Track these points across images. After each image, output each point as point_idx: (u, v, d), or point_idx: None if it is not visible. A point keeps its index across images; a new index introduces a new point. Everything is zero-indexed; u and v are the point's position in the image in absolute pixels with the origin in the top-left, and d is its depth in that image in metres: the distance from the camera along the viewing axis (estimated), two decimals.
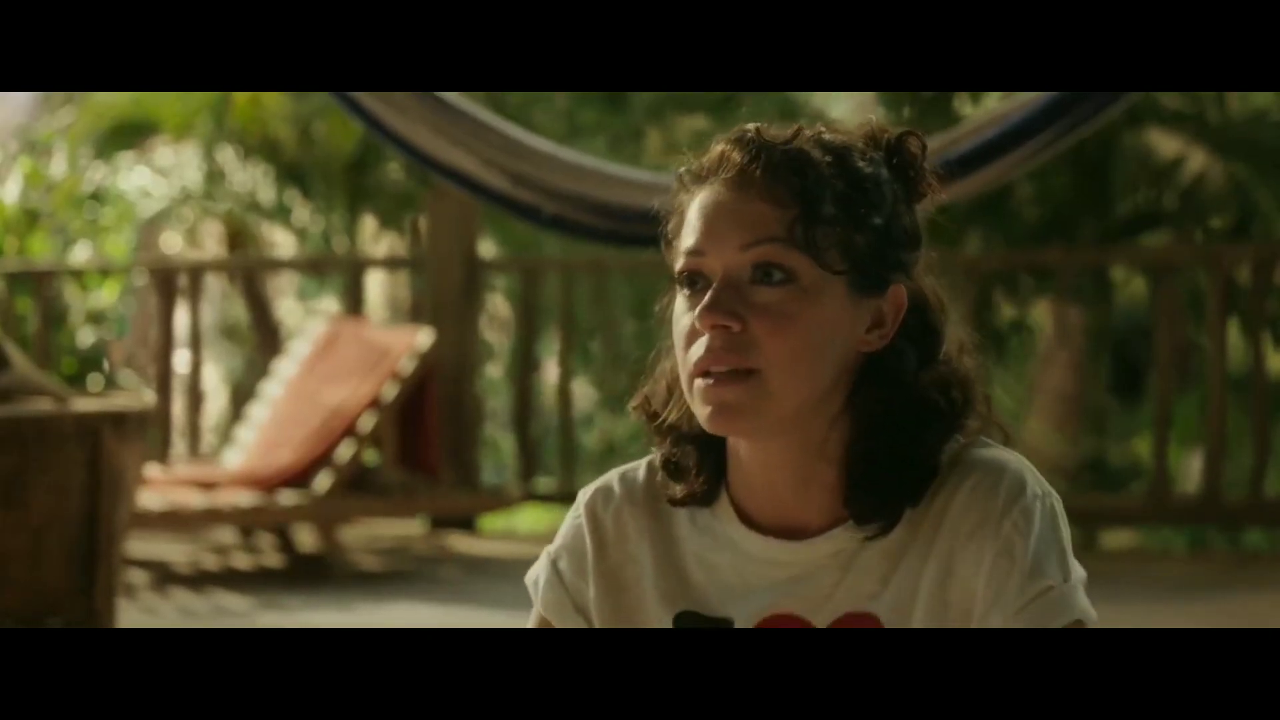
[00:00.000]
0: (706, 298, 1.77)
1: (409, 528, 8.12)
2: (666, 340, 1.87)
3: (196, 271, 8.78)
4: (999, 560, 1.77)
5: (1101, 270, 9.12)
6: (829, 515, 1.82)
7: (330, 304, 11.51)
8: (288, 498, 7.07)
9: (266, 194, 10.67)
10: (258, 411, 7.74)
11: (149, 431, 6.26)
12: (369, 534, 7.98)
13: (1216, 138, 9.13)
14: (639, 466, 1.93)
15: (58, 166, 9.35)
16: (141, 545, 7.24)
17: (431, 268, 8.31)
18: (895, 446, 1.80)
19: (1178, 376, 8.26)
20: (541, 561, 1.97)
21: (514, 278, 9.18)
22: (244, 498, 7.04)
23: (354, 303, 8.57)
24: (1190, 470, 9.74)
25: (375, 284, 11.86)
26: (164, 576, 7.08)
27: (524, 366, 8.52)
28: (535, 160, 4.93)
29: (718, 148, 1.83)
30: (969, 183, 4.70)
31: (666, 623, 1.86)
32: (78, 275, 8.76)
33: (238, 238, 11.66)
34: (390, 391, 7.29)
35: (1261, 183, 8.86)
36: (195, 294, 8.60)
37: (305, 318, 11.73)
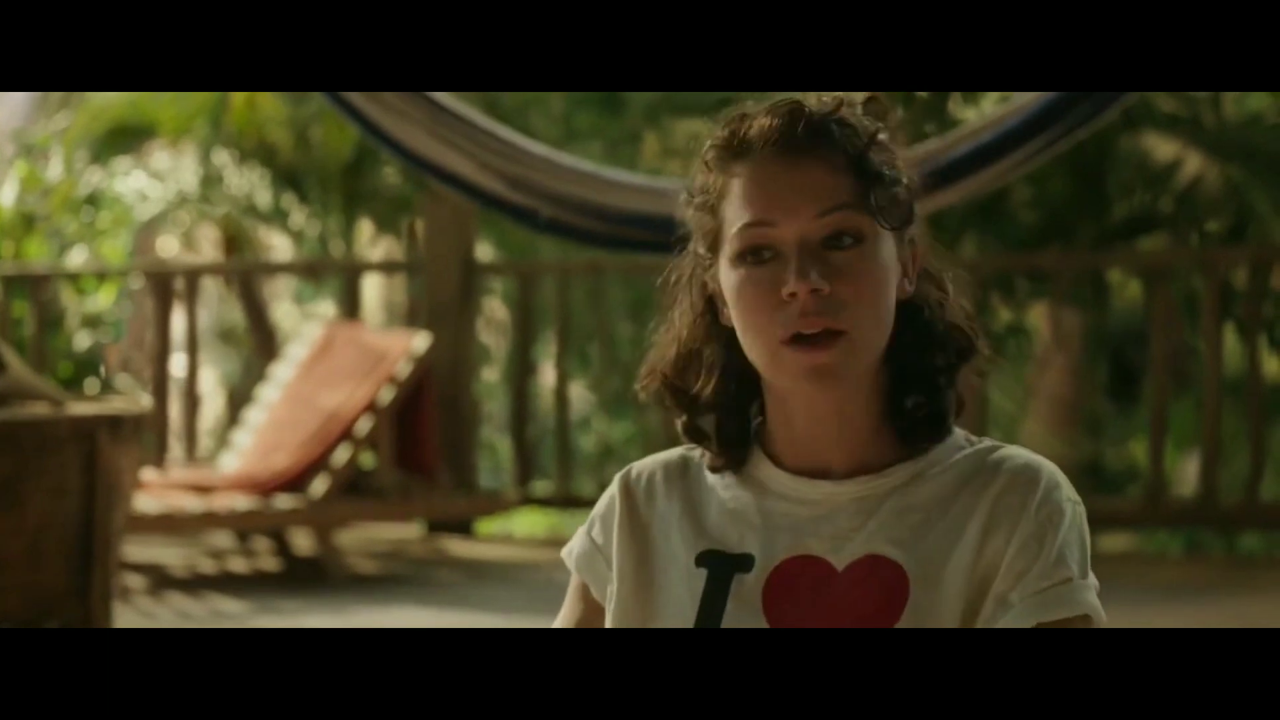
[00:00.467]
0: (795, 265, 1.84)
1: (406, 531, 8.12)
2: (674, 310, 1.94)
3: (193, 275, 8.78)
4: (1029, 543, 1.85)
5: (1098, 273, 9.12)
6: (855, 461, 1.90)
7: (327, 308, 11.52)
8: (284, 501, 7.07)
9: (263, 198, 10.67)
10: (254, 415, 7.74)
11: (145, 435, 6.26)
12: (365, 537, 7.98)
13: (1212, 141, 9.14)
14: (679, 448, 2.00)
15: (54, 170, 9.35)
16: (138, 549, 7.24)
17: (428, 271, 8.31)
18: (930, 374, 1.90)
19: (1174, 380, 8.27)
20: (580, 531, 2.01)
21: (510, 281, 9.18)
22: (240, 501, 7.04)
23: (350, 306, 8.57)
24: (1186, 473, 9.75)
25: (372, 288, 11.87)
26: (160, 580, 7.08)
27: (521, 370, 8.52)
28: (532, 164, 4.94)
29: (761, 120, 1.88)
30: (966, 186, 4.71)
31: (687, 567, 1.91)
32: (74, 279, 8.76)
33: (234, 241, 11.66)
34: (387, 395, 7.29)
35: (1257, 186, 8.87)
36: (191, 297, 8.60)
37: (302, 321, 11.74)
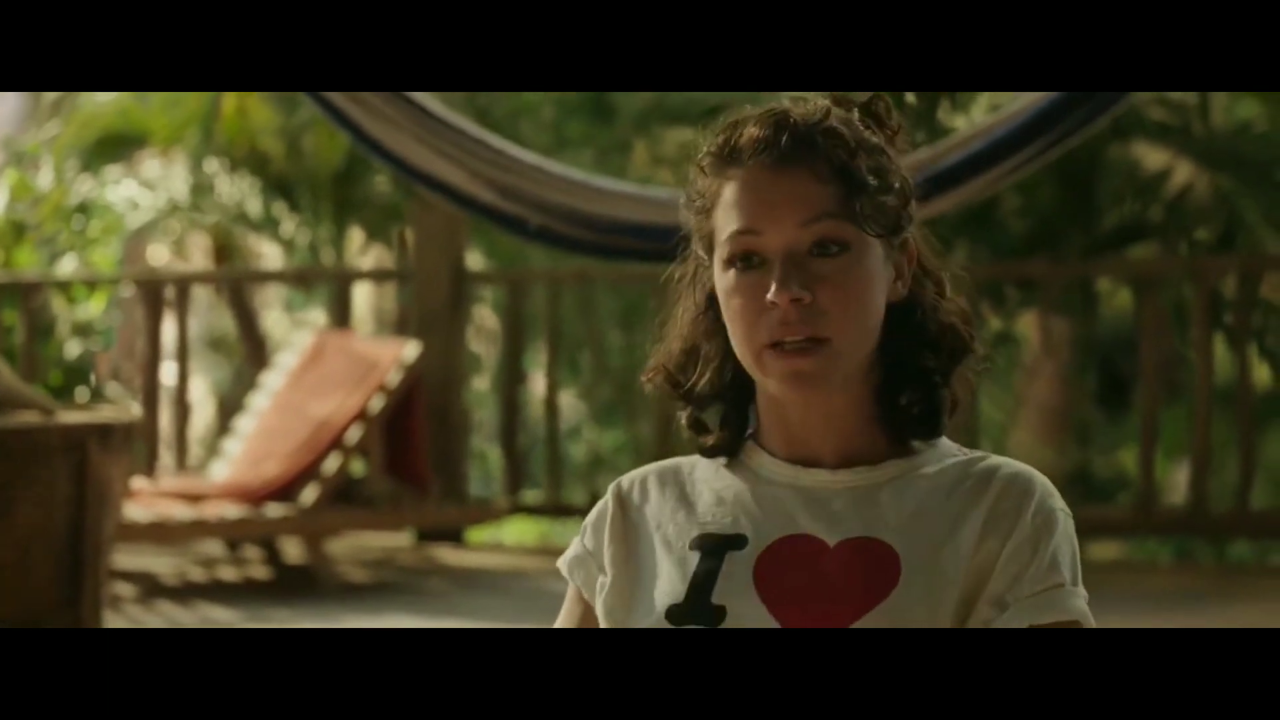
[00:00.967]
0: (778, 273, 1.87)
1: (396, 540, 8.11)
2: (678, 307, 1.99)
3: (183, 283, 8.78)
4: (1022, 547, 1.88)
5: (1087, 282, 9.13)
6: (848, 455, 1.94)
7: (317, 316, 11.50)
8: (274, 510, 7.07)
9: (254, 206, 10.66)
10: (244, 424, 7.73)
11: (135, 444, 6.26)
12: (356, 546, 7.97)
13: (1202, 150, 9.14)
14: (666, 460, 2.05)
15: (44, 178, 9.34)
16: (128, 557, 7.23)
17: (418, 280, 8.31)
18: (924, 373, 1.94)
19: (1164, 388, 8.27)
20: (574, 542, 2.04)
21: (501, 290, 9.18)
22: (231, 510, 7.03)
23: (341, 315, 8.57)
24: (1176, 482, 9.75)
25: (362, 296, 11.86)
26: (150, 589, 7.07)
27: (511, 378, 8.52)
28: (522, 173, 4.94)
29: (751, 130, 1.92)
30: (956, 195, 4.71)
31: (681, 551, 1.94)
32: (64, 287, 8.75)
33: (224, 250, 11.65)
34: (377, 404, 7.29)
35: (1247, 195, 8.87)
36: (182, 306, 8.60)
37: (292, 330, 11.72)
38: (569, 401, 10.59)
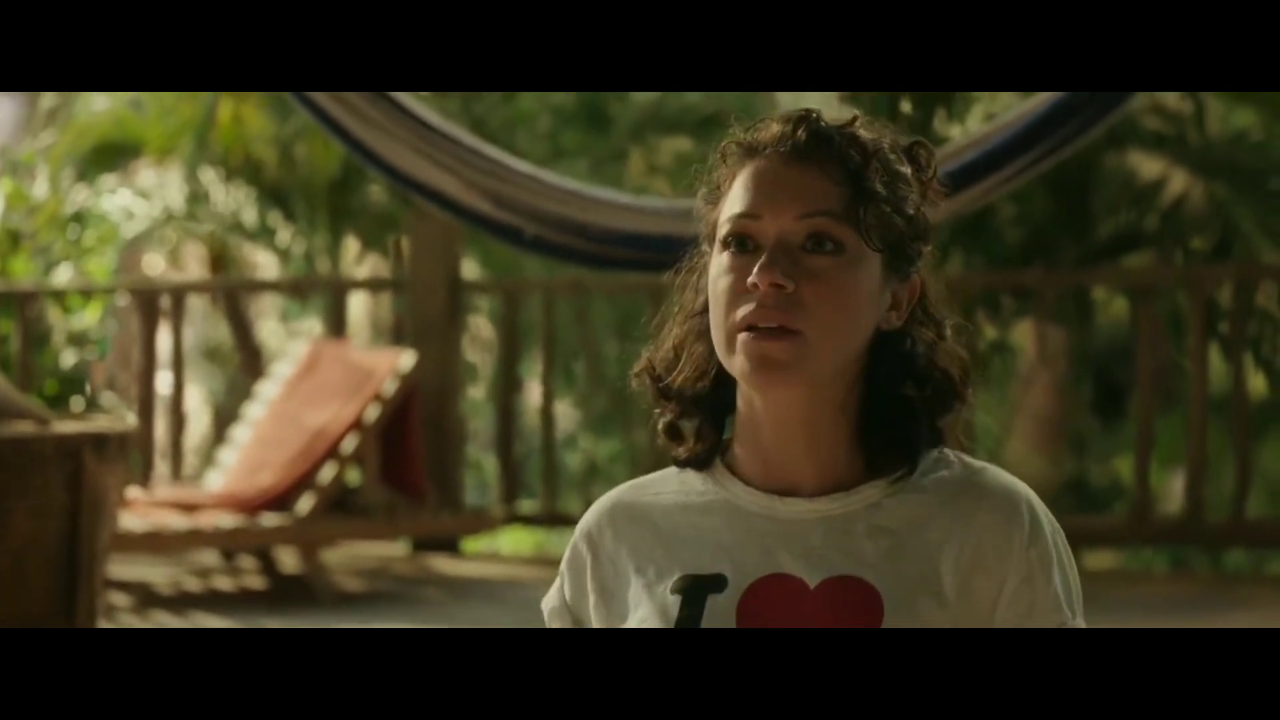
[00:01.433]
0: (763, 258, 1.86)
1: (391, 549, 8.11)
2: (674, 306, 1.98)
3: (179, 293, 8.77)
4: (1021, 588, 1.87)
5: (1083, 291, 9.13)
6: (825, 479, 1.91)
7: (313, 325, 11.50)
8: (270, 519, 7.06)
9: (249, 215, 10.66)
10: (240, 433, 7.73)
11: (130, 453, 6.25)
12: (351, 555, 7.97)
13: (1197, 159, 9.15)
14: (647, 475, 2.01)
15: (40, 187, 9.34)
16: (123, 567, 7.23)
17: (414, 289, 8.31)
18: (906, 405, 1.91)
19: (1159, 397, 8.27)
20: (553, 588, 2.02)
21: (496, 299, 9.18)
22: (226, 519, 7.03)
23: (336, 324, 8.57)
24: (1172, 491, 9.75)
25: (358, 305, 11.86)
26: (145, 598, 7.07)
27: (506, 388, 8.52)
28: (517, 182, 4.95)
29: (774, 125, 1.92)
30: (951, 204, 4.71)
31: (662, 596, 1.91)
32: (60, 296, 8.75)
33: (220, 259, 11.65)
34: (373, 413, 7.28)
35: (1242, 204, 8.88)
36: (177, 315, 8.59)
37: (288, 339, 11.72)
38: (564, 411, 10.59)
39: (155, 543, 6.96)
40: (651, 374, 1.97)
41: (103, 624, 5.43)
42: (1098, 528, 8.36)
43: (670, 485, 1.97)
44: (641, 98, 10.21)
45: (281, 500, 7.14)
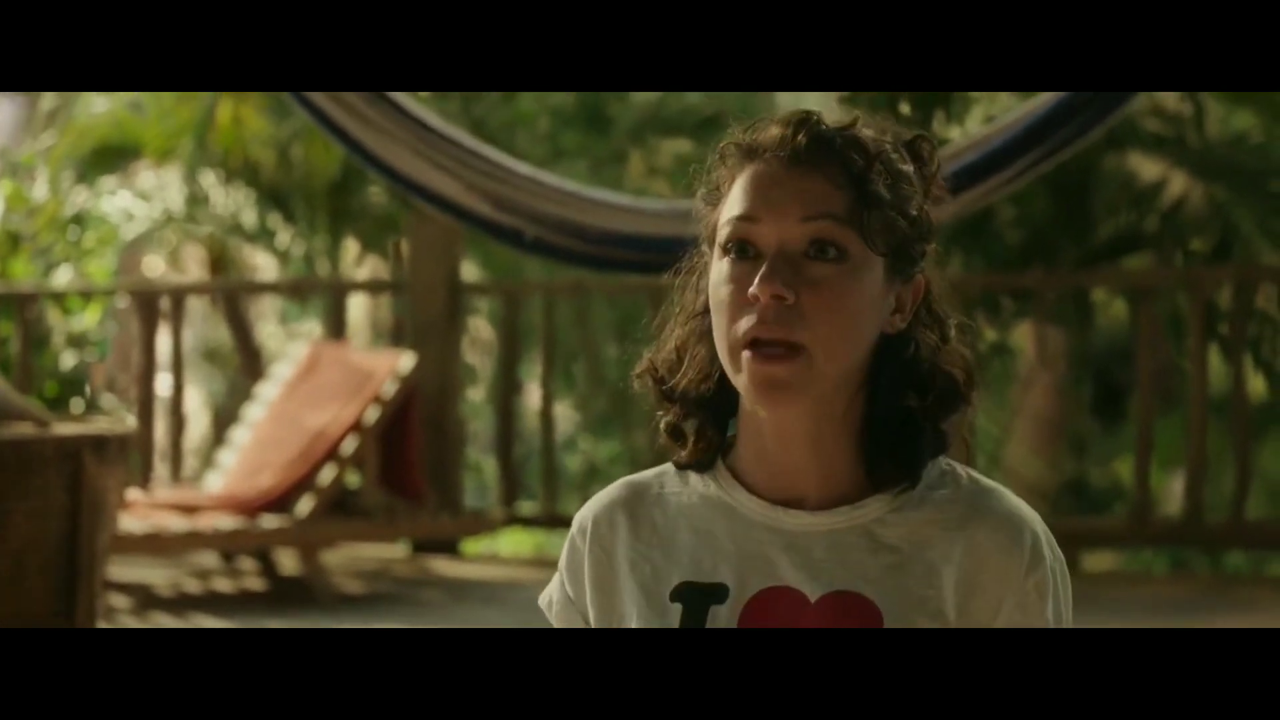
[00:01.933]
0: (764, 268, 1.82)
1: (391, 551, 8.11)
2: (675, 307, 1.95)
3: (178, 294, 8.77)
4: (1015, 614, 1.86)
5: (1083, 293, 9.13)
6: (830, 491, 1.89)
7: (312, 327, 11.50)
8: (269, 521, 7.06)
9: (248, 217, 10.66)
10: (239, 435, 7.73)
11: (130, 455, 6.25)
12: (351, 557, 7.97)
13: (1197, 161, 9.15)
14: (647, 471, 1.99)
15: (40, 189, 9.34)
16: (122, 569, 7.23)
17: (414, 291, 8.31)
18: (909, 414, 1.88)
19: (1159, 399, 8.27)
20: (554, 582, 2.01)
21: (496, 301, 9.18)
22: (225, 521, 7.03)
23: (336, 326, 8.57)
24: (1172, 492, 9.75)
25: (357, 307, 11.86)
26: (145, 600, 7.07)
27: (506, 389, 8.52)
28: (517, 184, 4.95)
29: (774, 128, 1.88)
30: (951, 206, 4.71)
31: (662, 600, 1.89)
32: (59, 298, 8.75)
33: (219, 261, 11.65)
34: (372, 415, 7.28)
35: (1242, 205, 8.88)
36: (177, 317, 8.59)
37: (287, 341, 11.72)
38: (564, 412, 10.59)
39: (155, 544, 6.96)
40: (654, 375, 1.94)
41: (102, 626, 5.42)
42: (1097, 529, 8.37)
43: (671, 485, 1.95)
44: (641, 99, 10.21)
45: (281, 502, 7.14)
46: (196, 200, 10.61)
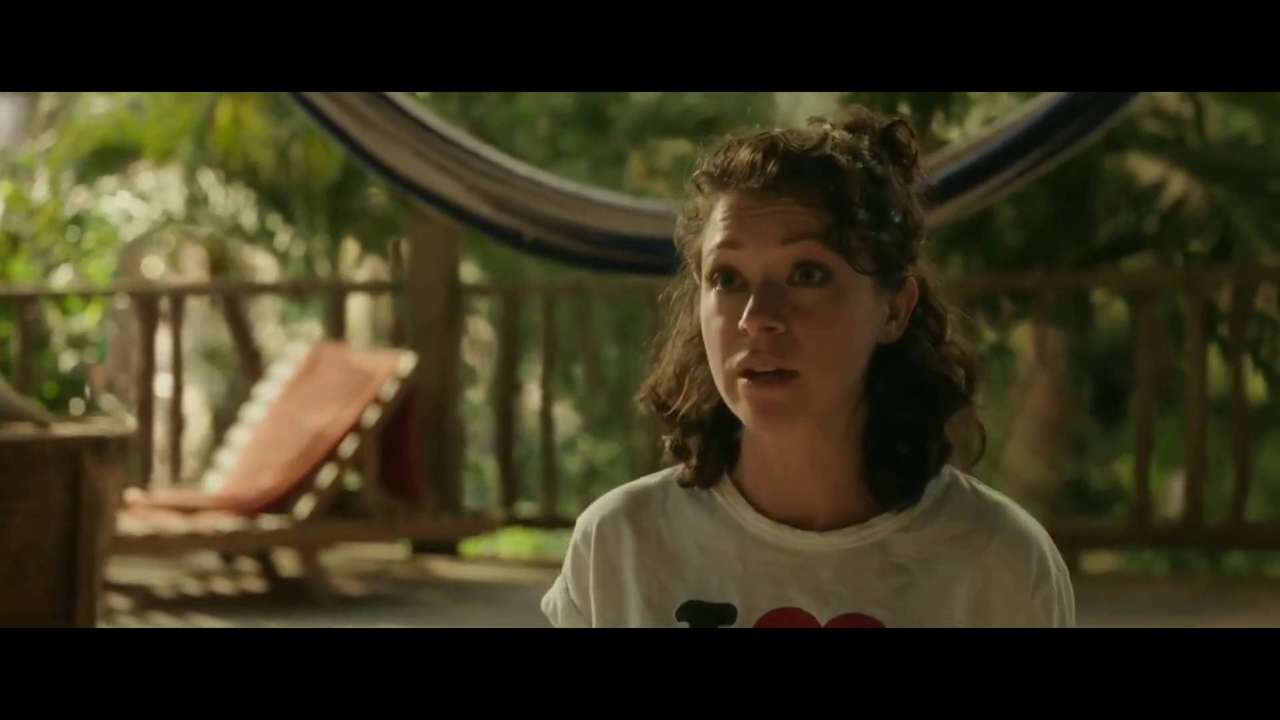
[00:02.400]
0: (751, 302, 1.81)
1: (391, 552, 8.11)
2: (672, 328, 1.94)
3: (178, 295, 8.77)
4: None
5: (1082, 294, 9.13)
6: (838, 511, 1.87)
7: (312, 328, 11.50)
8: (269, 522, 7.06)
9: (248, 218, 10.66)
10: (239, 436, 7.73)
11: (130, 456, 6.25)
12: (351, 558, 7.97)
13: (1197, 162, 9.15)
14: (649, 477, 1.97)
15: (39, 190, 9.34)
16: (122, 570, 7.23)
17: (413, 292, 8.31)
18: (912, 424, 1.87)
19: (1159, 400, 8.27)
20: (557, 586, 1.99)
21: (496, 302, 9.18)
22: (225, 522, 7.02)
23: (336, 327, 8.57)
24: (1171, 493, 9.75)
25: (357, 308, 11.85)
26: (145, 601, 7.07)
27: (506, 390, 8.52)
28: (517, 185, 4.94)
29: (744, 154, 1.86)
30: (950, 207, 4.71)
31: (668, 618, 1.89)
32: (59, 299, 8.75)
33: (219, 262, 11.65)
34: (372, 416, 7.28)
35: (1242, 206, 8.88)
36: (177, 318, 8.59)
37: (287, 342, 11.72)
38: (564, 414, 10.58)
39: (154, 545, 6.96)
40: (656, 400, 1.94)
41: (102, 627, 5.42)
42: (1097, 530, 8.37)
43: (675, 496, 1.94)
44: (641, 100, 10.21)
45: (281, 503, 7.14)
46: (196, 201, 10.61)
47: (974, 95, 8.55)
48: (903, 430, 1.86)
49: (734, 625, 1.86)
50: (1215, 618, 6.59)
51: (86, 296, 8.79)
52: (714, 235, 1.86)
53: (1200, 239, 9.32)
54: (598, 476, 10.47)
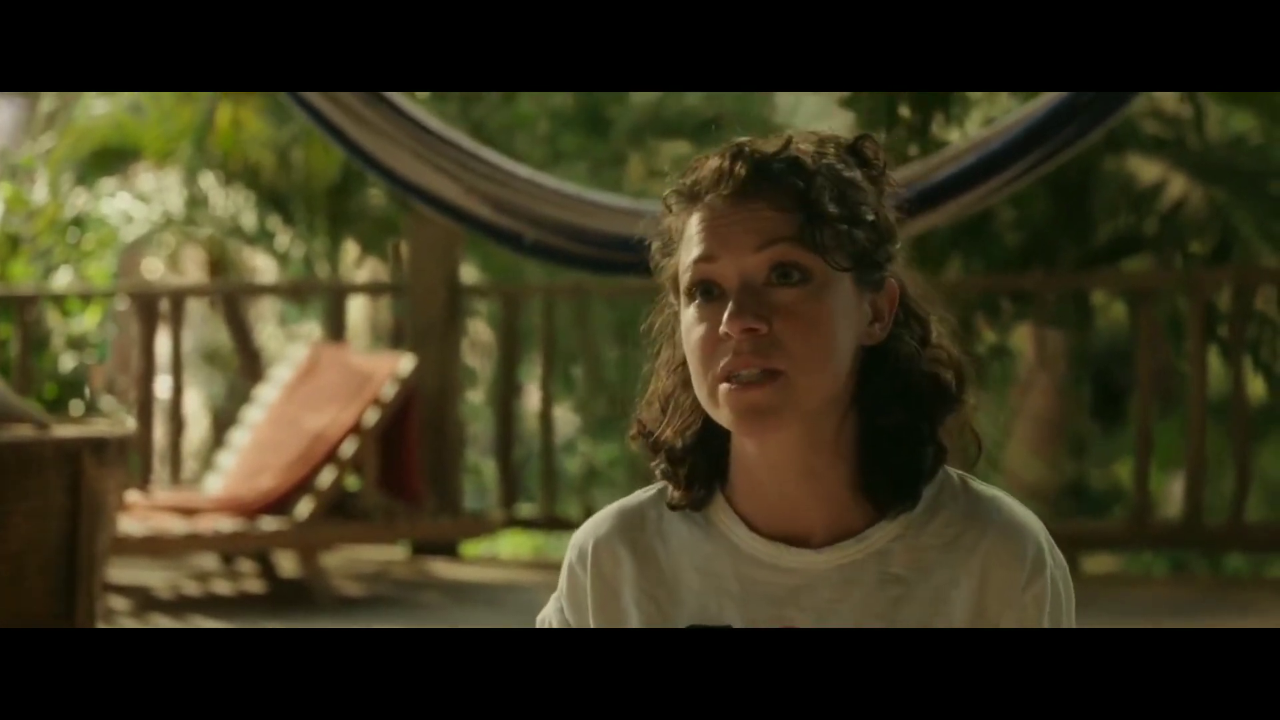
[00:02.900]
0: (731, 304, 1.81)
1: (390, 553, 8.10)
2: (654, 361, 1.93)
3: (178, 297, 8.77)
4: (1013, 623, 1.85)
5: (1082, 295, 9.13)
6: (834, 526, 1.86)
7: (312, 329, 11.50)
8: (269, 523, 7.06)
9: (248, 219, 10.66)
10: (239, 437, 7.73)
11: (130, 457, 6.25)
12: (350, 559, 7.97)
13: (1196, 163, 9.15)
14: (641, 493, 1.96)
15: (39, 191, 9.34)
16: (122, 571, 7.22)
17: (413, 293, 8.31)
18: (903, 429, 1.85)
19: (1158, 401, 8.27)
20: (551, 605, 1.98)
21: (495, 303, 9.18)
22: (225, 523, 7.02)
23: (336, 328, 8.56)
24: (1171, 494, 9.75)
25: (357, 309, 11.86)
26: (145, 602, 7.06)
27: (506, 392, 8.52)
28: (517, 187, 4.94)
29: (711, 164, 1.86)
30: (950, 208, 4.71)
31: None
32: (59, 300, 8.75)
33: (219, 263, 11.65)
34: (372, 417, 7.28)
35: (1241, 208, 8.88)
36: (177, 319, 8.59)
37: (287, 343, 11.72)
38: (564, 415, 10.58)
39: (154, 546, 6.95)
40: (645, 434, 1.93)
41: (101, 628, 5.42)
42: (1097, 531, 8.36)
43: (669, 515, 1.93)
44: (640, 101, 10.21)
45: (280, 504, 7.13)
46: (196, 202, 10.61)
47: (974, 96, 8.54)
48: (894, 436, 1.85)
49: None
50: (1215, 619, 6.59)
51: (86, 298, 8.79)
52: (690, 250, 1.86)
53: (1200, 240, 9.32)
54: (597, 478, 10.46)
